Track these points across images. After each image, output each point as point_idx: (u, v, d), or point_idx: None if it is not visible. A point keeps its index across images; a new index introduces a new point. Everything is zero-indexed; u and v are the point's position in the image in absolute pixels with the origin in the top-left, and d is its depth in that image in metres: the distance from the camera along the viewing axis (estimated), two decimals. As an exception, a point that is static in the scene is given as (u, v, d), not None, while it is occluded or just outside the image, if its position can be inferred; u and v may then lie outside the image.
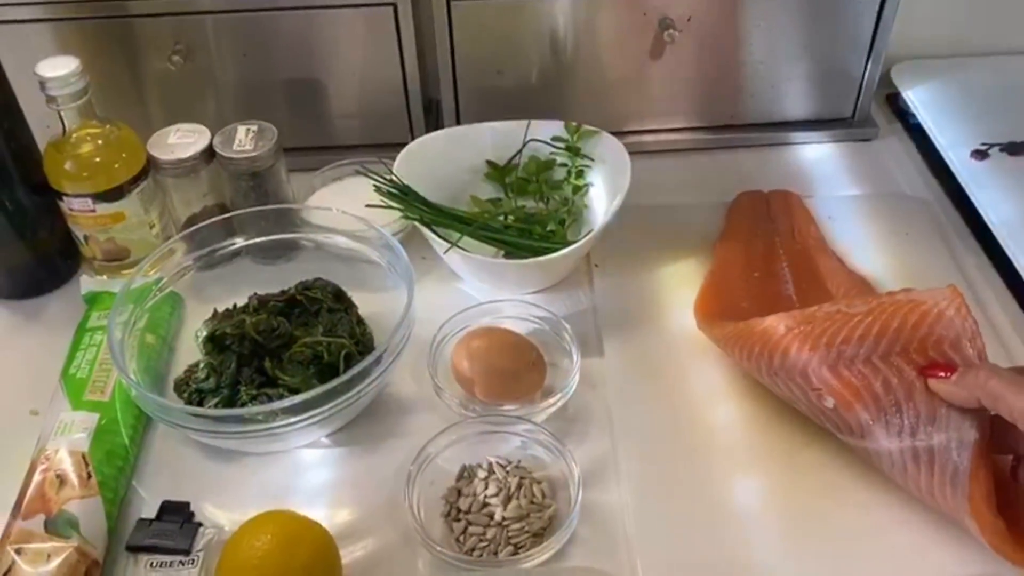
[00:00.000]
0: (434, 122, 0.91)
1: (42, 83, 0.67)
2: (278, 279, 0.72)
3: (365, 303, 0.71)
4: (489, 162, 0.81)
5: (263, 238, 0.73)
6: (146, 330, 0.68)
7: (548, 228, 0.77)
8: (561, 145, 0.79)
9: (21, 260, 0.75)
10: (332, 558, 0.52)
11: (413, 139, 0.87)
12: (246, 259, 0.74)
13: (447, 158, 0.79)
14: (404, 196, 0.72)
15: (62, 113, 0.69)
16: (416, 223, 0.71)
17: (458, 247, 0.70)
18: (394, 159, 0.77)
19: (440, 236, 0.71)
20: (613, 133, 0.78)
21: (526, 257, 0.73)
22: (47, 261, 0.77)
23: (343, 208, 0.71)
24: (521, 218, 0.78)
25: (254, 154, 0.72)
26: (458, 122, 0.88)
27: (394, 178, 0.73)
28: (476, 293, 0.74)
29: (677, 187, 0.85)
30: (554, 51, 0.84)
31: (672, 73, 0.86)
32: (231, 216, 0.72)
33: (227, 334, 0.65)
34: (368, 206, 0.71)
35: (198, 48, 0.81)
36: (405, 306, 0.63)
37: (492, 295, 0.73)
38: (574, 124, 0.79)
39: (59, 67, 0.67)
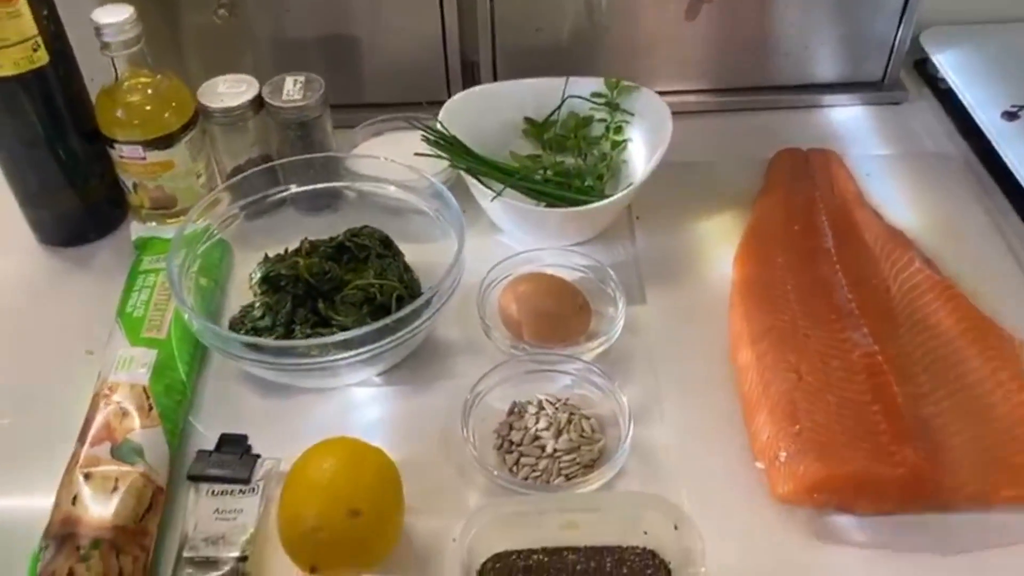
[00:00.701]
0: (471, 81, 0.92)
1: (97, 29, 0.69)
2: (323, 229, 0.73)
3: (410, 253, 0.73)
4: (527, 119, 0.82)
5: (309, 186, 0.74)
6: (200, 273, 0.69)
7: (586, 183, 0.78)
8: (600, 101, 0.80)
9: (71, 207, 0.77)
10: (396, 481, 0.54)
11: (450, 98, 0.90)
12: (291, 209, 0.76)
13: (487, 114, 0.81)
14: (451, 146, 0.73)
15: (115, 60, 0.71)
16: (462, 172, 0.73)
17: (501, 197, 0.71)
18: (431, 117, 0.78)
19: (483, 183, 0.72)
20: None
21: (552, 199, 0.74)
22: (95, 209, 0.78)
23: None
24: (560, 173, 0.79)
25: (302, 103, 0.73)
26: (495, 80, 0.89)
27: (441, 129, 0.74)
28: (517, 245, 0.76)
29: (711, 146, 0.86)
30: (590, 10, 0.85)
31: (706, 34, 0.87)
32: (278, 164, 0.73)
33: (282, 275, 0.66)
34: (417, 154, 0.72)
35: (242, 2, 0.82)
36: (457, 249, 0.65)
37: (533, 247, 0.75)
38: (613, 80, 0.80)
39: (114, 14, 0.69)
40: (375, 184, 0.74)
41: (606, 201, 0.71)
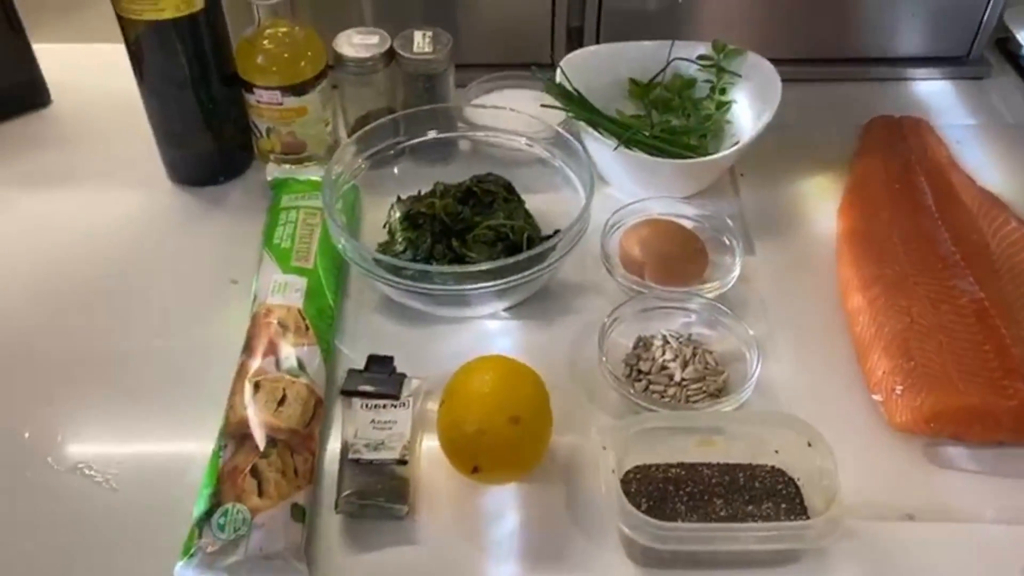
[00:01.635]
0: (575, 45, 0.96)
1: (247, -21, 0.73)
2: (444, 178, 0.77)
3: (528, 201, 0.77)
4: (632, 80, 0.87)
5: (432, 135, 0.79)
6: (341, 212, 0.73)
7: (691, 141, 0.83)
8: (707, 63, 0.84)
9: (206, 149, 0.81)
10: (546, 395, 0.58)
11: (553, 61, 0.94)
12: (412, 159, 0.80)
13: (595, 73, 0.84)
14: (573, 99, 0.78)
15: (258, 9, 0.75)
16: (583, 123, 0.77)
17: (623, 139, 0.75)
18: (540, 77, 0.83)
19: (601, 134, 0.77)
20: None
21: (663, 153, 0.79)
22: (227, 152, 0.83)
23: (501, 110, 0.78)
24: (666, 130, 0.83)
25: (432, 57, 0.78)
26: (598, 43, 0.93)
27: (564, 81, 0.78)
28: (624, 196, 0.80)
29: (804, 113, 0.90)
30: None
31: (799, 6, 0.91)
32: (402, 115, 0.77)
33: (421, 213, 0.71)
34: (543, 106, 0.77)
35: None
36: (587, 194, 0.69)
37: (641, 197, 0.79)
38: (721, 42, 0.84)
39: (264, -35, 0.73)
40: (498, 135, 0.78)
41: (719, 155, 0.75)
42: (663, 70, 0.86)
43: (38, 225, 0.80)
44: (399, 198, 0.75)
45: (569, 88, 0.78)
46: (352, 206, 0.77)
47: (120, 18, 0.73)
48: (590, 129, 0.77)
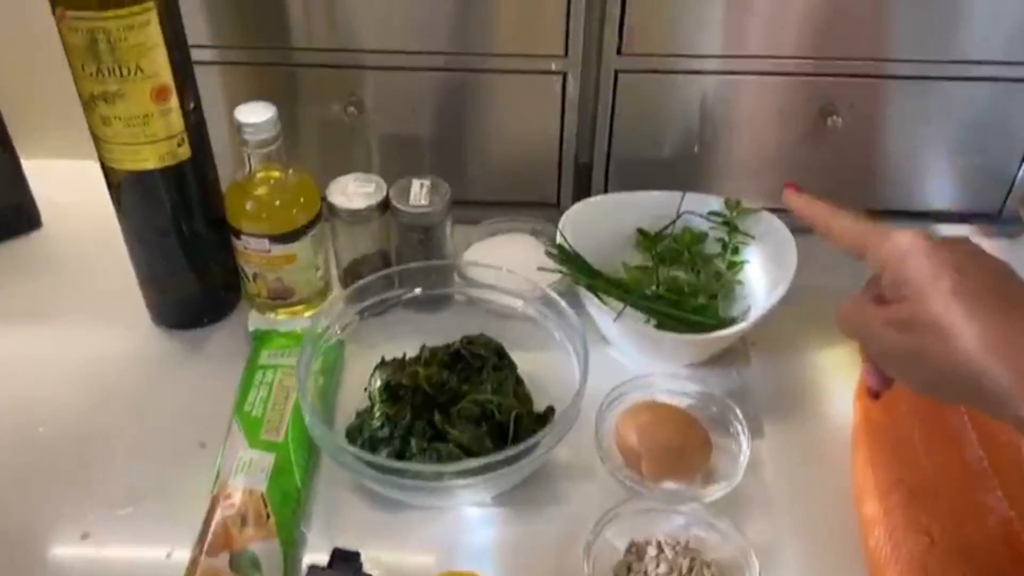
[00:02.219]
0: (583, 184, 0.92)
1: (239, 127, 0.70)
2: (436, 329, 0.74)
3: (521, 361, 0.72)
4: (640, 230, 0.82)
5: (427, 291, 0.75)
6: (319, 373, 0.69)
7: (699, 300, 0.78)
8: (718, 220, 0.80)
9: (189, 291, 0.78)
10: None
11: (559, 202, 0.90)
12: (405, 309, 0.76)
13: (602, 224, 0.81)
14: (572, 260, 0.73)
15: (251, 156, 0.72)
16: (583, 288, 0.72)
17: (623, 309, 0.71)
18: (542, 219, 0.81)
19: (603, 300, 0.72)
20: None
21: (679, 328, 0.74)
22: (212, 294, 0.79)
23: (501, 262, 0.74)
24: (673, 288, 0.79)
25: (428, 209, 0.74)
26: (606, 188, 0.89)
27: (563, 243, 0.74)
28: (626, 360, 0.75)
29: (824, 272, 0.85)
30: (710, 126, 0.85)
31: (823, 156, 0.87)
32: (397, 270, 0.74)
33: (402, 384, 0.66)
34: (540, 269, 0.72)
35: (367, 101, 0.84)
36: (580, 381, 0.64)
37: (642, 364, 0.74)
38: (734, 200, 0.80)
39: (257, 114, 0.70)
40: (491, 292, 0.74)
41: (724, 332, 0.70)
42: (673, 223, 0.81)
43: (7, 363, 0.76)
44: (383, 360, 0.71)
45: (568, 249, 0.74)
46: (334, 364, 0.72)
47: (102, 164, 0.70)
48: (590, 295, 0.72)
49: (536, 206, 0.90)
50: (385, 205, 0.76)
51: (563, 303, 0.69)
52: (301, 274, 0.77)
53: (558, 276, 0.74)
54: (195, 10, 0.78)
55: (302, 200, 0.75)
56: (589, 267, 0.74)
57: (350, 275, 0.79)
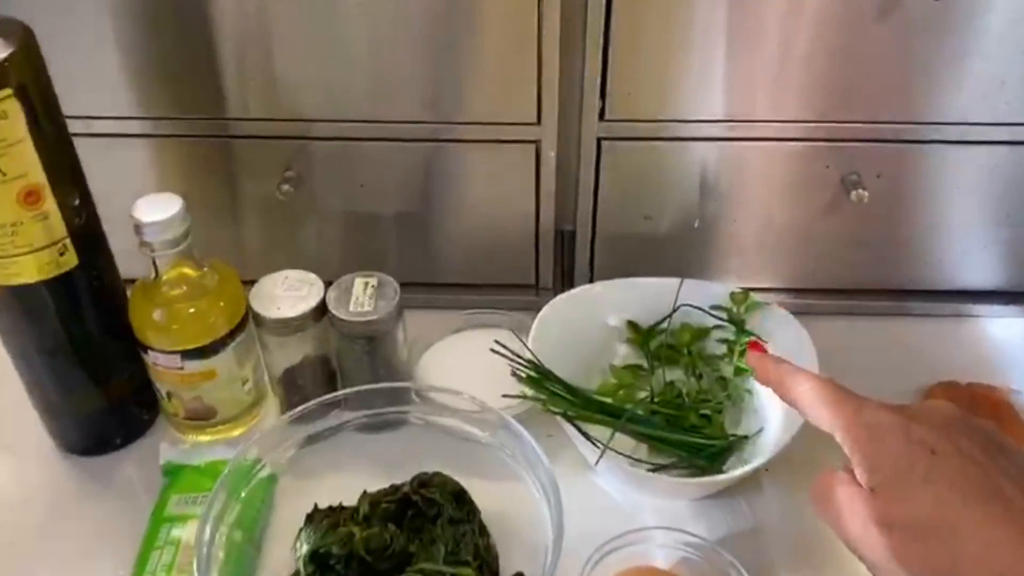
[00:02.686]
0: (563, 263, 0.80)
1: (137, 227, 0.58)
2: (388, 457, 0.62)
3: (484, 494, 0.60)
4: (631, 323, 0.70)
5: (376, 415, 0.62)
6: (235, 525, 0.57)
7: (701, 413, 0.65)
8: (722, 316, 0.68)
9: (93, 408, 0.65)
10: None
11: (538, 281, 0.78)
12: (350, 432, 0.63)
13: (584, 319, 0.69)
14: (544, 380, 0.61)
15: (156, 259, 0.60)
16: (561, 418, 0.60)
17: (606, 447, 0.58)
18: (519, 304, 0.71)
19: (586, 435, 0.59)
20: (772, 291, 0.67)
21: (677, 450, 0.62)
22: (121, 410, 0.67)
23: (464, 372, 0.63)
24: (670, 399, 0.66)
25: (374, 317, 0.62)
26: (591, 271, 0.77)
27: (532, 357, 0.61)
28: (613, 491, 0.63)
29: (849, 361, 0.72)
30: (713, 199, 0.72)
31: (845, 231, 0.74)
32: (343, 395, 0.61)
33: (332, 554, 0.53)
34: (505, 396, 0.60)
35: (310, 176, 0.71)
36: (552, 550, 0.51)
37: (633, 498, 0.62)
38: (740, 292, 0.67)
39: (160, 210, 0.58)
40: (451, 416, 0.62)
41: (730, 475, 0.58)
42: (669, 316, 0.69)
43: None
44: (315, 509, 0.58)
45: (538, 368, 0.61)
46: (258, 512, 0.60)
47: (-27, 278, 0.58)
48: (568, 427, 0.60)
49: (513, 288, 0.78)
50: (322, 310, 0.63)
51: (530, 441, 0.56)
52: (224, 391, 0.65)
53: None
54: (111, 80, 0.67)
55: (222, 304, 0.62)
56: (564, 388, 0.61)
57: (286, 385, 0.67)
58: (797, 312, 0.67)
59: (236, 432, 0.67)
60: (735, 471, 0.58)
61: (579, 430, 0.59)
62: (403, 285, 0.72)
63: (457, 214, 0.74)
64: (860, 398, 0.44)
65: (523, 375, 0.59)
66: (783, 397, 0.48)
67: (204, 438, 0.67)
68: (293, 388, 0.66)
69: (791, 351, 0.63)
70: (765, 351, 0.52)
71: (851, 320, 0.78)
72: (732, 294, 0.67)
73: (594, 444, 0.58)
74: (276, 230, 0.75)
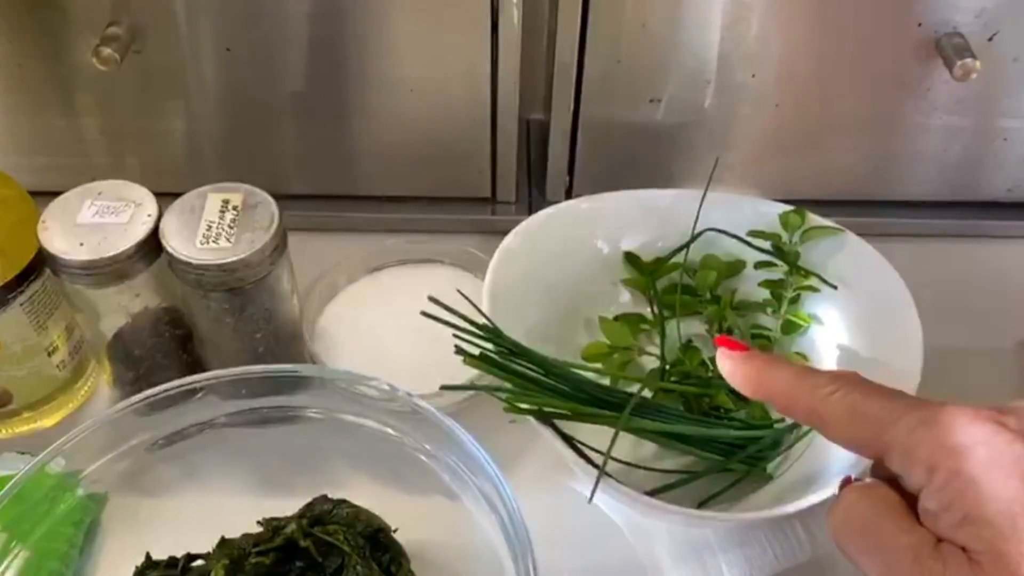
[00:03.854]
0: (531, 169, 0.57)
1: None
2: (264, 467, 0.42)
3: (417, 529, 0.39)
4: (630, 256, 0.48)
5: (246, 408, 0.41)
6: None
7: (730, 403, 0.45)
8: (764, 244, 0.46)
9: None
10: None
11: (495, 195, 0.56)
12: (215, 430, 0.42)
13: (562, 251, 0.47)
14: (506, 357, 0.39)
15: None
16: (533, 420, 0.38)
17: (602, 470, 0.37)
18: (465, 229, 0.52)
19: (575, 446, 0.38)
20: (829, 204, 0.46)
21: (698, 451, 0.41)
22: None
23: (385, 336, 0.45)
24: (689, 370, 0.45)
25: (233, 258, 0.39)
26: (571, 179, 0.55)
27: (485, 318, 0.39)
28: (611, 509, 0.42)
29: (929, 306, 0.52)
30: (747, 69, 0.50)
31: (937, 123, 0.52)
32: (204, 382, 0.39)
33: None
34: (444, 387, 0.38)
35: (149, 33, 0.47)
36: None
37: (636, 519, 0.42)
38: (796, 211, 0.46)
39: None
40: (358, 414, 0.40)
41: (779, 510, 0.37)
42: (686, 246, 0.47)
43: None
44: (148, 561, 0.37)
45: (495, 339, 0.39)
46: (67, 551, 0.38)
47: None
48: (545, 430, 0.38)
49: (460, 203, 0.56)
50: (156, 246, 0.40)
51: (478, 454, 0.35)
52: (17, 366, 0.43)
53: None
54: None
55: (-2, 238, 0.40)
56: (539, 363, 0.39)
57: (115, 355, 0.44)
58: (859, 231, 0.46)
59: (48, 422, 0.46)
60: (798, 501, 0.37)
61: (562, 436, 0.38)
62: (299, 198, 0.51)
63: (379, 95, 0.51)
64: (925, 403, 0.27)
65: (471, 353, 0.37)
66: (788, 412, 0.30)
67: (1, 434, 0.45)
68: (127, 360, 0.44)
69: (876, 303, 0.43)
70: (733, 346, 0.32)
71: (923, 243, 0.57)
72: (785, 215, 0.46)
73: (588, 461, 0.37)
74: (95, 122, 0.50)
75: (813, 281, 0.45)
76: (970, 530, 0.25)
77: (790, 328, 0.46)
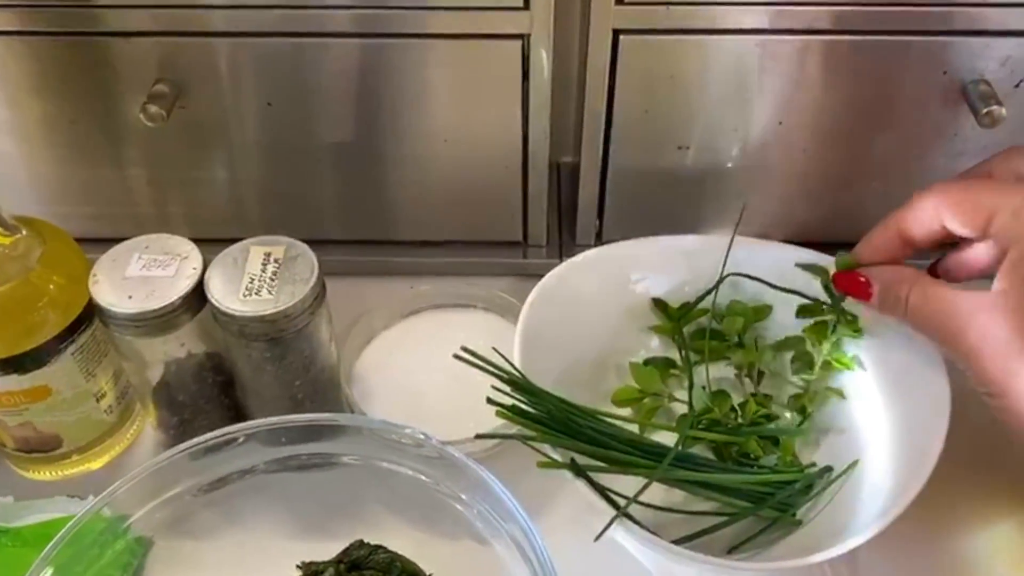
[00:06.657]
0: (567, 215, 0.59)
1: None
2: (304, 511, 0.43)
3: (443, 564, 0.41)
4: (657, 301, 0.49)
5: (287, 455, 0.42)
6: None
7: (763, 433, 0.45)
8: (800, 291, 0.47)
9: None
10: None
11: (526, 239, 0.57)
12: (256, 477, 0.43)
13: (592, 297, 0.48)
14: (536, 407, 0.40)
15: (-66, 222, 0.38)
16: (566, 471, 0.39)
17: (621, 510, 0.38)
18: (497, 272, 0.54)
19: (607, 496, 0.39)
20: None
21: (728, 499, 0.42)
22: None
23: (421, 381, 0.45)
24: (719, 418, 0.46)
25: (274, 310, 0.40)
26: (600, 222, 0.56)
27: (515, 373, 0.40)
28: (641, 554, 0.43)
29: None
30: (778, 117, 0.51)
31: (963, 163, 0.51)
32: (244, 431, 0.41)
33: None
34: (480, 436, 0.39)
35: (193, 90, 0.49)
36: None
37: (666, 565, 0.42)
38: (845, 255, 0.45)
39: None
40: (395, 461, 0.41)
41: (802, 562, 0.38)
42: (715, 288, 0.48)
43: None
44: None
45: (524, 392, 0.39)
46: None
47: None
48: (579, 482, 0.39)
49: (491, 247, 0.57)
50: (201, 297, 0.42)
51: (509, 502, 0.36)
52: (67, 412, 0.44)
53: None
54: None
55: (51, 289, 0.41)
56: (571, 419, 0.40)
57: (160, 401, 0.46)
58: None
59: (96, 464, 0.47)
60: (828, 550, 0.37)
61: (593, 486, 0.39)
62: (336, 243, 0.53)
63: (414, 145, 0.52)
64: None
65: (503, 405, 0.38)
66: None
67: (48, 475, 0.46)
68: (172, 406, 0.45)
69: (908, 364, 0.43)
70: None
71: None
72: (836, 260, 0.45)
73: (617, 507, 0.38)
74: (142, 173, 0.52)
75: (851, 326, 0.45)
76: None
77: (828, 368, 0.46)
